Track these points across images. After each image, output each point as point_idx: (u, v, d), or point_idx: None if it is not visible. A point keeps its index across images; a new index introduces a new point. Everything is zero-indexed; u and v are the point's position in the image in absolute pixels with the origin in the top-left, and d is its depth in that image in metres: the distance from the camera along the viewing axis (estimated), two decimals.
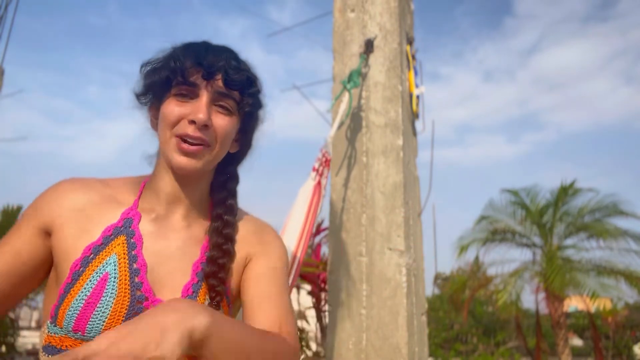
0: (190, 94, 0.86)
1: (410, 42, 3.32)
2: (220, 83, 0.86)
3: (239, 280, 0.95)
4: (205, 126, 0.84)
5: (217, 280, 0.88)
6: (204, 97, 0.85)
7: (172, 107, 0.85)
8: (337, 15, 3.21)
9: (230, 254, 0.91)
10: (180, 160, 0.85)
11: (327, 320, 4.60)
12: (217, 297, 0.87)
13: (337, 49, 3.14)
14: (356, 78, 2.74)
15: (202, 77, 0.85)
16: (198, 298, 0.86)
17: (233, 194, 0.98)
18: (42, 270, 0.87)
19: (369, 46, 2.94)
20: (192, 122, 0.84)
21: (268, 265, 0.95)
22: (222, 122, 0.87)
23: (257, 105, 0.93)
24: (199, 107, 0.84)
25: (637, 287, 9.72)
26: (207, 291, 0.88)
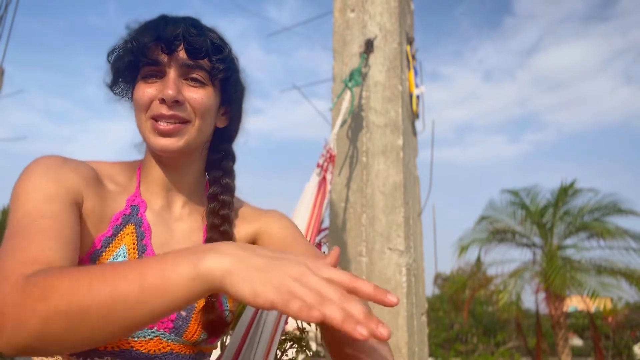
0: (157, 73, 0.81)
1: (410, 42, 3.32)
2: (183, 54, 0.80)
3: None
4: (176, 102, 0.79)
5: None
6: (171, 72, 0.80)
7: (142, 90, 0.81)
8: (337, 15, 3.21)
9: (227, 236, 0.87)
10: (159, 141, 0.80)
11: None
12: None
13: (337, 49, 3.14)
14: (357, 76, 2.74)
15: (163, 52, 0.80)
16: None
17: (229, 172, 0.93)
18: None
19: (369, 46, 2.94)
20: (162, 100, 0.79)
21: (282, 226, 0.93)
22: (196, 95, 0.81)
23: (231, 70, 0.85)
24: (167, 84, 0.79)
25: (638, 286, 9.72)
26: None
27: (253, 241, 0.94)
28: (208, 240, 0.86)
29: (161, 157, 0.86)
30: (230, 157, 0.95)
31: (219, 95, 0.86)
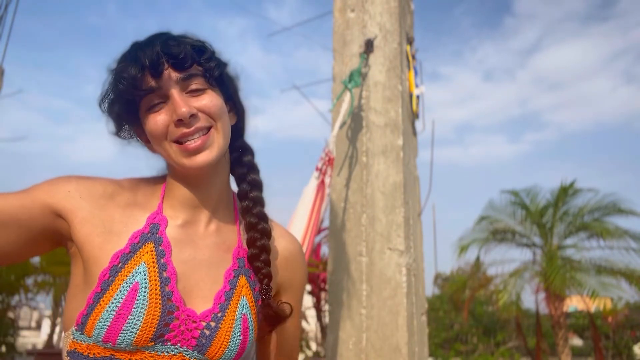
0: (159, 99, 0.81)
1: (410, 42, 3.32)
2: (173, 70, 0.80)
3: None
4: (192, 116, 0.80)
5: (260, 262, 0.87)
6: (172, 92, 0.80)
7: (154, 121, 0.81)
8: (337, 15, 3.21)
9: (267, 234, 0.89)
10: (193, 160, 0.81)
11: (327, 320, 4.59)
12: (265, 280, 0.87)
13: (337, 49, 3.14)
14: (357, 77, 2.74)
15: (153, 77, 0.79)
16: (230, 306, 0.84)
17: (252, 168, 0.94)
18: (33, 242, 0.82)
19: (369, 46, 2.94)
20: (179, 121, 0.79)
21: (294, 301, 0.97)
22: (204, 101, 0.82)
23: (221, 66, 0.86)
24: (175, 104, 0.79)
25: (638, 286, 9.73)
26: (254, 275, 0.88)
27: (276, 290, 0.96)
28: (248, 239, 0.89)
29: (187, 175, 0.86)
30: (249, 152, 0.95)
31: (220, 94, 0.86)
